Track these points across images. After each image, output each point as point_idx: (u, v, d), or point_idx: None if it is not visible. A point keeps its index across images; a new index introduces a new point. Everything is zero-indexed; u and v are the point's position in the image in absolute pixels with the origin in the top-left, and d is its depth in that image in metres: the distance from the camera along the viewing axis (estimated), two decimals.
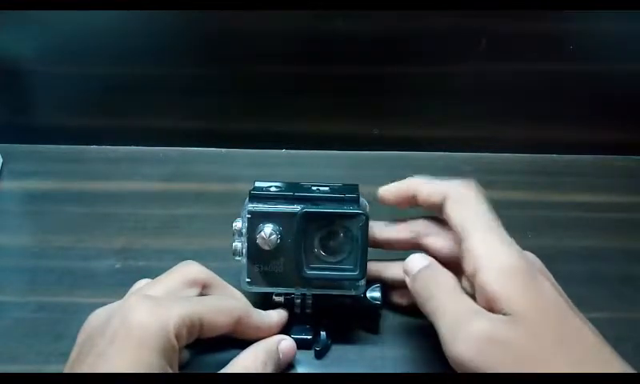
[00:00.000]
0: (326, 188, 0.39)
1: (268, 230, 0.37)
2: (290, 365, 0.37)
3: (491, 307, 0.31)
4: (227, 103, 0.53)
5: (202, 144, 0.55)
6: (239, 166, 0.53)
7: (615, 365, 0.30)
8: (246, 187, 0.52)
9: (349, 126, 0.54)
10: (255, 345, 0.36)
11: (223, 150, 0.55)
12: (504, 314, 0.30)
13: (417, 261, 0.36)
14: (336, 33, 0.49)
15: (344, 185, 0.39)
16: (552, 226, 0.48)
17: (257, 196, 0.38)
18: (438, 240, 0.37)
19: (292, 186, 0.39)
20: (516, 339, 0.30)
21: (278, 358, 0.36)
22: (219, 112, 0.54)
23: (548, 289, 0.32)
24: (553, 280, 0.33)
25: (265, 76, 0.52)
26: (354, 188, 0.39)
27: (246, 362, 0.34)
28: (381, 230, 0.39)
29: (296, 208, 0.37)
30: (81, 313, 0.42)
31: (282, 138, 0.54)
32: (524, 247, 0.34)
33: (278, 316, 0.38)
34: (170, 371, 0.31)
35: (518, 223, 0.47)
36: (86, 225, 0.48)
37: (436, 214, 0.37)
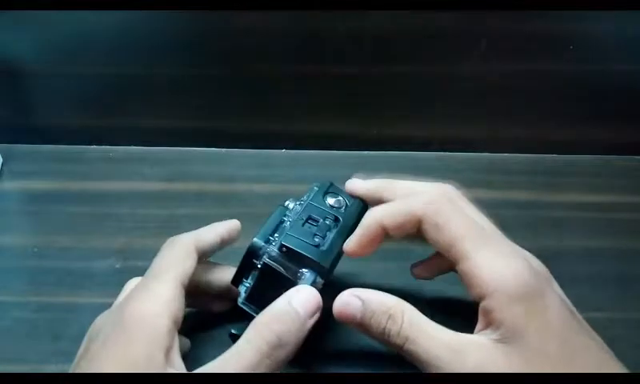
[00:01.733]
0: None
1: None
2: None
3: (492, 327, 0.30)
4: (227, 103, 0.53)
5: (202, 144, 0.55)
6: (239, 166, 0.53)
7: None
8: (245, 187, 0.52)
9: (349, 126, 0.54)
10: (260, 314, 0.31)
11: (223, 149, 0.55)
12: (505, 337, 0.29)
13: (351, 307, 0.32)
14: (336, 33, 0.49)
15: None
16: (552, 226, 0.48)
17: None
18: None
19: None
20: (518, 365, 0.28)
21: (299, 316, 0.31)
22: (219, 112, 0.54)
23: (557, 307, 0.30)
24: (558, 288, 0.32)
25: (265, 76, 0.52)
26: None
27: (255, 339, 0.30)
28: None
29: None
30: (81, 313, 0.42)
31: (281, 137, 0.54)
32: (524, 248, 0.34)
33: (222, 224, 0.38)
34: (168, 357, 0.30)
35: (518, 223, 0.47)
36: (86, 225, 0.48)
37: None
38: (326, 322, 0.33)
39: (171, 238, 0.36)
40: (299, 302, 0.31)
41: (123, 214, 0.49)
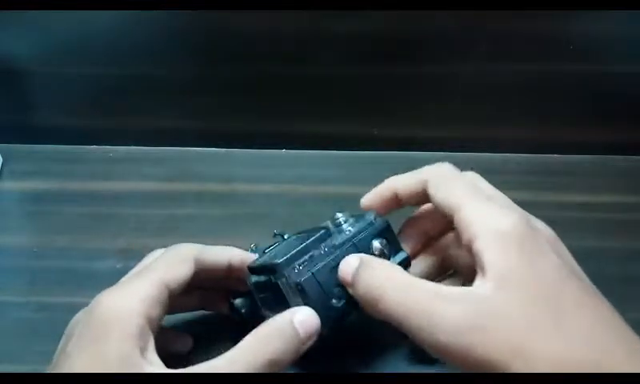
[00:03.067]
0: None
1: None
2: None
3: (484, 273, 0.28)
4: (227, 103, 0.53)
5: (201, 144, 0.55)
6: (239, 166, 0.53)
7: (628, 339, 0.27)
8: (245, 187, 0.52)
9: (349, 126, 0.54)
10: (261, 326, 0.31)
11: (223, 149, 0.55)
12: (498, 281, 0.27)
13: (349, 263, 0.32)
14: (336, 33, 0.49)
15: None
16: (552, 226, 0.47)
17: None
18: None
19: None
20: (503, 314, 0.27)
21: (297, 335, 0.31)
22: (219, 112, 0.54)
23: (551, 258, 0.28)
24: (565, 253, 0.31)
25: (264, 76, 0.52)
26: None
27: (249, 351, 0.30)
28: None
29: None
30: None
31: (281, 138, 0.54)
32: None
33: (239, 251, 0.37)
34: (143, 356, 0.29)
35: None
36: (86, 225, 0.48)
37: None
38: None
39: (175, 244, 0.36)
40: (301, 323, 0.31)
41: (123, 214, 0.49)
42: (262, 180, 0.52)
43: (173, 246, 0.36)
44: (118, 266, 0.45)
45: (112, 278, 0.44)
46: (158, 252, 0.36)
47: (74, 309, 0.42)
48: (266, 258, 0.37)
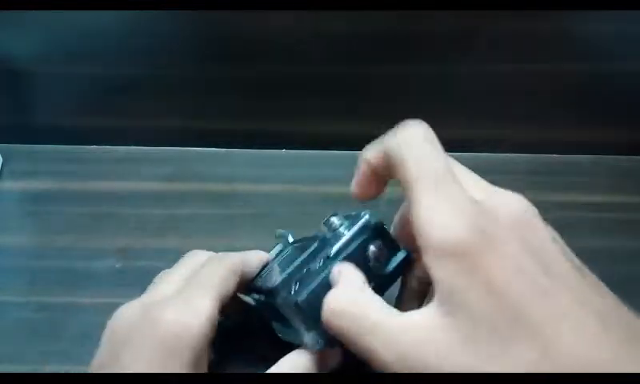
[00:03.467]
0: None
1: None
2: None
3: (434, 293, 0.25)
4: (227, 103, 0.53)
5: (202, 144, 0.55)
6: (239, 166, 0.53)
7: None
8: (245, 187, 0.52)
9: (349, 126, 0.54)
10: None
11: (223, 149, 0.55)
12: (445, 305, 0.24)
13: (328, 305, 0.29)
14: (336, 33, 0.49)
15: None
16: (552, 226, 0.48)
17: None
18: None
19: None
20: (445, 346, 0.24)
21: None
22: (219, 112, 0.54)
23: (508, 270, 0.24)
24: (541, 235, 0.26)
25: (264, 76, 0.52)
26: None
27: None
28: None
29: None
30: (81, 313, 0.42)
31: (281, 137, 0.54)
32: None
33: (265, 254, 0.37)
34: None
35: None
36: (86, 225, 0.48)
37: None
38: None
39: (217, 254, 0.36)
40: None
41: (123, 214, 0.49)
42: (262, 180, 0.52)
43: (221, 255, 0.35)
44: (117, 266, 0.45)
45: (112, 277, 0.44)
46: (202, 254, 0.36)
47: (74, 309, 0.42)
48: (262, 277, 0.36)
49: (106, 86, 0.52)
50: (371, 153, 0.31)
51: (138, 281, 0.43)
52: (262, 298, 0.35)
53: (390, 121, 0.54)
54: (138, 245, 0.47)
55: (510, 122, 0.54)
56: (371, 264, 0.32)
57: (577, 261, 0.27)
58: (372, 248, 0.32)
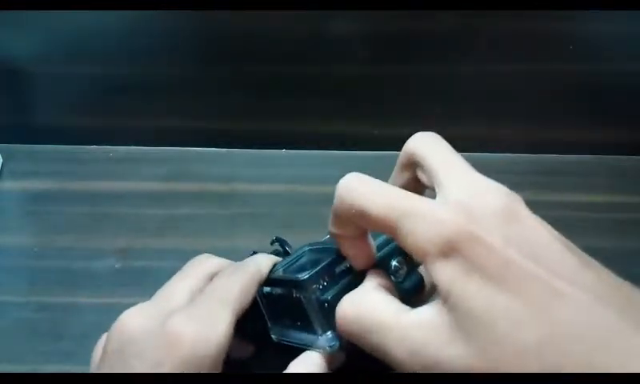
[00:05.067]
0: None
1: None
2: None
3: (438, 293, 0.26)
4: (227, 103, 0.53)
5: (202, 144, 0.55)
6: (239, 166, 0.53)
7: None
8: (245, 187, 0.52)
9: (349, 126, 0.54)
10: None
11: (223, 149, 0.55)
12: (447, 304, 0.25)
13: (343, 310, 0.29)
14: (336, 33, 0.49)
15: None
16: (552, 226, 0.48)
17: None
18: None
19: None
20: (450, 342, 0.24)
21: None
22: (219, 112, 0.54)
23: (490, 263, 0.24)
24: (530, 225, 0.26)
25: (265, 76, 0.52)
26: None
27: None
28: None
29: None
30: (81, 313, 0.42)
31: (282, 137, 0.54)
32: None
33: (272, 258, 0.36)
34: None
35: None
36: (86, 225, 0.48)
37: None
38: None
39: (233, 264, 0.35)
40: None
41: (123, 214, 0.49)
42: (262, 180, 0.52)
43: (238, 266, 0.35)
44: (117, 266, 0.45)
45: (112, 277, 0.44)
46: (213, 260, 0.35)
47: (74, 309, 0.42)
48: (282, 270, 0.36)
49: (106, 86, 0.52)
50: (335, 228, 0.30)
51: (137, 281, 0.43)
52: (279, 290, 0.34)
53: (390, 121, 0.54)
54: (138, 245, 0.47)
55: (509, 122, 0.54)
56: (392, 278, 0.32)
57: (564, 240, 0.26)
58: (394, 262, 0.32)
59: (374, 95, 0.53)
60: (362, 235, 0.30)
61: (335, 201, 0.29)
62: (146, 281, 0.40)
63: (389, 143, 0.54)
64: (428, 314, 0.26)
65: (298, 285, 0.32)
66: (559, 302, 0.23)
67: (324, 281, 0.32)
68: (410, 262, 0.33)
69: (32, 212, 0.50)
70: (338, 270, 0.32)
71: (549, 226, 0.27)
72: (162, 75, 0.52)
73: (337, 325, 0.29)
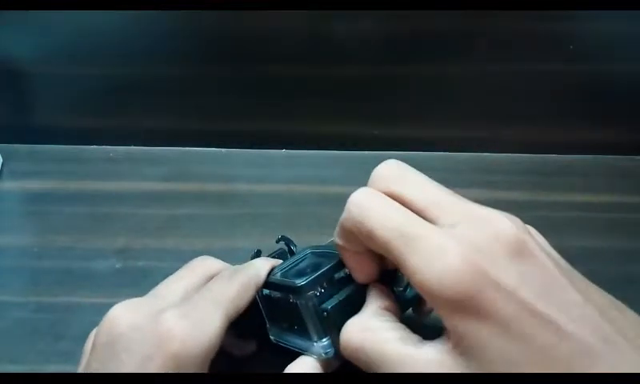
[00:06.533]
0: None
1: None
2: None
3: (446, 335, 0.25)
4: (227, 103, 0.53)
5: (201, 144, 0.55)
6: (239, 166, 0.53)
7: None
8: (245, 187, 0.52)
9: (349, 126, 0.54)
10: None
11: (223, 149, 0.55)
12: (458, 347, 0.24)
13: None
14: (336, 33, 0.49)
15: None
16: (552, 226, 0.47)
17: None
18: None
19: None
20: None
21: None
22: (219, 112, 0.54)
23: (504, 305, 0.23)
24: (536, 255, 0.25)
25: (265, 76, 0.52)
26: None
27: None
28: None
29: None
30: (81, 313, 0.42)
31: (282, 137, 0.54)
32: None
33: (272, 262, 0.36)
34: None
35: None
36: (86, 225, 0.48)
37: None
38: None
39: (231, 267, 0.35)
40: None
41: (123, 214, 0.49)
42: (262, 180, 0.52)
43: (236, 269, 0.34)
44: (117, 266, 0.45)
45: (112, 277, 0.44)
46: (211, 262, 0.35)
47: (74, 309, 0.42)
48: (280, 274, 0.36)
49: (106, 86, 0.52)
50: (340, 240, 0.30)
51: (137, 281, 0.43)
52: (278, 294, 0.34)
53: (390, 121, 0.54)
54: (138, 245, 0.47)
55: (509, 122, 0.54)
56: (394, 287, 0.32)
57: (568, 269, 0.27)
58: (399, 273, 0.32)
59: (374, 95, 0.52)
60: (368, 251, 0.29)
61: (344, 214, 0.28)
62: (145, 281, 0.40)
63: (389, 143, 0.54)
64: (438, 354, 0.25)
65: (296, 290, 0.32)
66: (567, 344, 0.23)
67: (322, 287, 0.31)
68: None
69: (32, 212, 0.50)
70: (337, 276, 0.32)
71: (554, 256, 0.27)
72: (161, 75, 0.52)
73: (341, 349, 0.29)
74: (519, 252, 0.25)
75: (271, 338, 0.35)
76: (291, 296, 0.32)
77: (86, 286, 0.44)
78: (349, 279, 0.32)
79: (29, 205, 0.51)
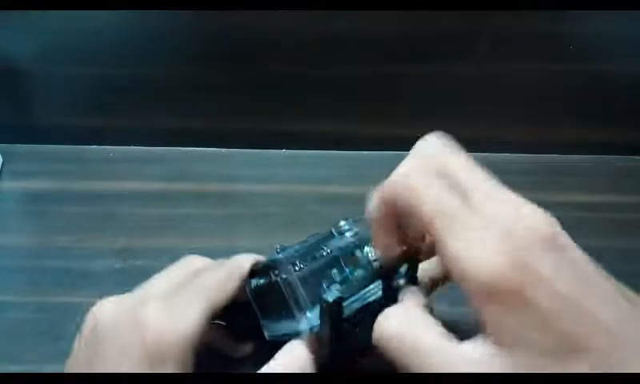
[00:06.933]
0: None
1: None
2: None
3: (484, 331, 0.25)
4: (227, 103, 0.53)
5: (202, 144, 0.55)
6: (239, 166, 0.53)
7: None
8: (245, 187, 0.52)
9: (349, 126, 0.54)
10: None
11: (223, 149, 0.55)
12: (498, 343, 0.24)
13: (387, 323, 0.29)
14: (336, 33, 0.49)
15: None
16: None
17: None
18: None
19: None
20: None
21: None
22: (219, 112, 0.54)
23: (544, 298, 0.23)
24: (570, 256, 0.25)
25: (265, 76, 0.52)
26: None
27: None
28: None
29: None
30: (81, 313, 0.42)
31: (282, 137, 0.54)
32: None
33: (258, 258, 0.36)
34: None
35: None
36: (86, 225, 0.48)
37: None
38: None
39: (214, 261, 0.35)
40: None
41: (123, 214, 0.49)
42: (262, 180, 0.52)
43: (219, 262, 0.35)
44: (117, 266, 0.45)
45: (112, 277, 0.44)
46: (197, 260, 0.35)
47: (74, 309, 0.42)
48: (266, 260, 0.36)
49: (106, 86, 0.52)
50: (375, 207, 0.30)
51: (137, 281, 0.43)
52: (262, 280, 0.35)
53: (390, 121, 0.54)
54: (138, 245, 0.47)
55: (509, 122, 0.54)
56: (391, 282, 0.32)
57: (597, 267, 0.27)
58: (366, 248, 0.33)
59: (374, 95, 0.53)
60: (395, 225, 0.30)
61: (388, 184, 0.29)
62: (145, 281, 0.39)
63: (389, 143, 0.54)
64: (478, 349, 0.25)
65: (275, 266, 0.33)
66: (604, 338, 0.23)
67: (302, 264, 0.32)
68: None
69: (32, 212, 0.50)
70: (316, 254, 0.33)
71: (584, 253, 0.27)
72: (161, 75, 0.52)
73: (373, 338, 0.29)
74: (554, 244, 0.25)
75: (266, 335, 0.35)
76: (272, 274, 0.33)
77: (86, 286, 0.44)
78: (327, 256, 0.33)
79: (29, 205, 0.51)
